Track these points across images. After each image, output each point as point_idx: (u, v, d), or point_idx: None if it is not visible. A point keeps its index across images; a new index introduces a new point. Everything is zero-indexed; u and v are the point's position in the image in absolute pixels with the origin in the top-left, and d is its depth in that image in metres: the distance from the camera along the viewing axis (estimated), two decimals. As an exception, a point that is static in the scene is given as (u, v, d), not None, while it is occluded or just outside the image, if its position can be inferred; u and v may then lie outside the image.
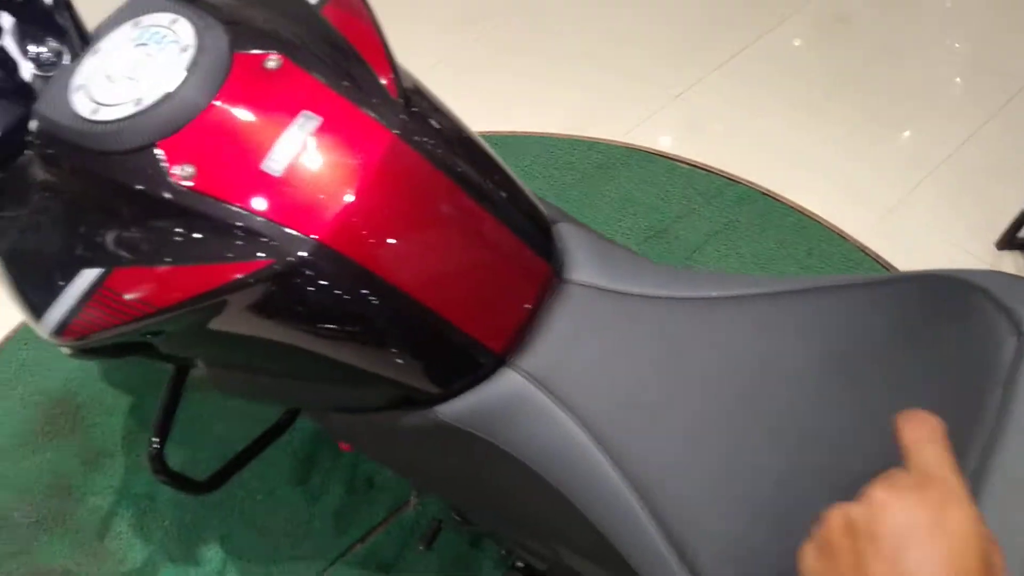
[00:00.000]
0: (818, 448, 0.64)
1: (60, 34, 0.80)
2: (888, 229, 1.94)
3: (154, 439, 1.09)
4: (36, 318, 0.73)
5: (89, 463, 1.61)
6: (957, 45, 2.40)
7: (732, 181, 2.03)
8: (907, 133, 2.17)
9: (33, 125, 0.74)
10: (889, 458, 0.41)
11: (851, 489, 0.40)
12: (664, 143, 2.13)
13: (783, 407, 0.67)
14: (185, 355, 0.85)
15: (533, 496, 0.72)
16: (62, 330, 0.72)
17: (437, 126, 0.75)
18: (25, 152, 0.75)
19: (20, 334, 1.83)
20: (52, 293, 0.71)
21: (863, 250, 1.89)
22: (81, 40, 0.79)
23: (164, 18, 0.72)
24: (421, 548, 1.27)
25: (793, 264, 1.87)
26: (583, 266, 0.79)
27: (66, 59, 0.80)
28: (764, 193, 2.01)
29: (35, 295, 0.72)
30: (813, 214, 1.96)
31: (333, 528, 1.49)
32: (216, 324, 0.71)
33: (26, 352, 1.80)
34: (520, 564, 1.11)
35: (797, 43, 2.42)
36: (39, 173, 0.74)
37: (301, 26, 0.75)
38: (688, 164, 2.07)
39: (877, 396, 0.62)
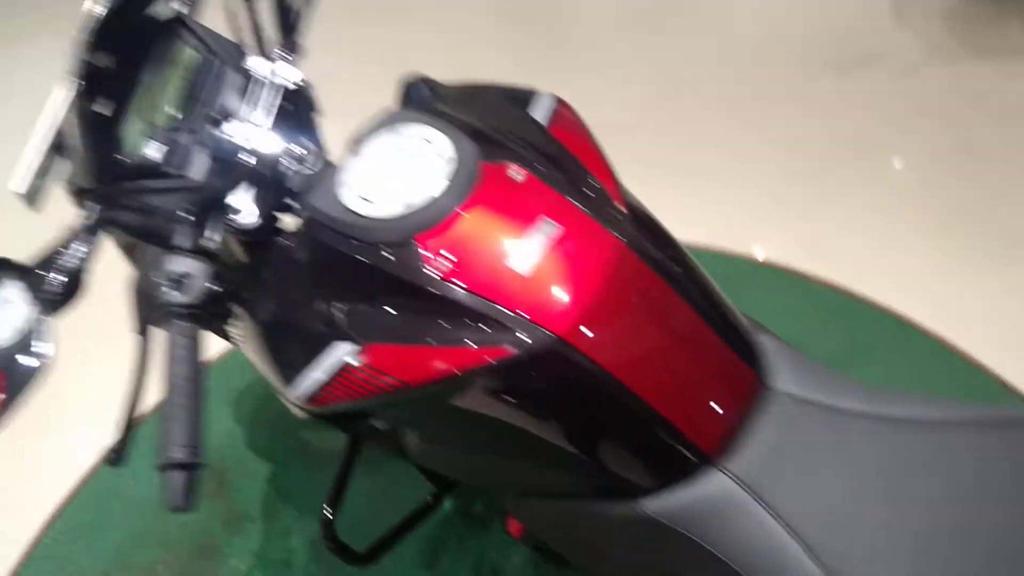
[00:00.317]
0: None
1: (307, 133, 0.91)
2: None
3: (327, 507, 1.16)
4: (286, 383, 0.81)
5: (231, 525, 1.69)
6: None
7: (862, 302, 2.05)
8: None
9: (298, 213, 0.85)
10: None
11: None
12: (790, 259, 2.17)
13: (1003, 536, 0.68)
14: (401, 428, 0.92)
15: None
16: (310, 398, 0.80)
17: (654, 236, 0.82)
18: (277, 235, 0.86)
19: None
20: (305, 362, 0.79)
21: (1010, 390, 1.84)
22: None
23: (422, 130, 0.83)
24: None
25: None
26: (788, 377, 0.83)
27: (312, 157, 0.90)
28: (897, 317, 2.01)
29: (287, 362, 0.81)
30: (954, 345, 1.94)
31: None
32: (445, 403, 0.78)
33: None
34: None
35: (928, 169, 2.45)
36: (299, 254, 0.84)
37: (535, 141, 0.85)
38: (816, 281, 2.10)
39: None
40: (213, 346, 1.92)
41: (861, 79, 2.76)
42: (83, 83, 0.73)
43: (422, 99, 0.93)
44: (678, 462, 0.78)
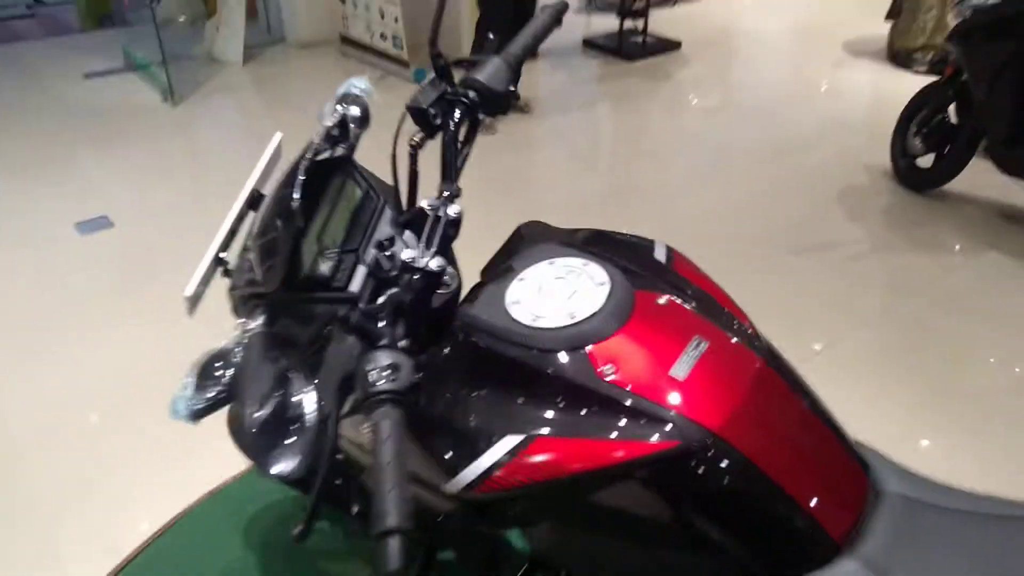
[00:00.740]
0: None
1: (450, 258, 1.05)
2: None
3: None
4: (450, 476, 0.89)
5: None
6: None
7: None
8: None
9: (464, 326, 0.96)
10: None
11: None
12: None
13: None
14: (542, 518, 0.98)
15: None
16: (473, 487, 0.88)
17: (777, 357, 0.98)
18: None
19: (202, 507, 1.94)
20: (472, 455, 0.88)
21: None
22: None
23: (578, 262, 0.98)
24: None
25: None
26: (895, 481, 0.96)
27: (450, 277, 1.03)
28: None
29: (456, 453, 0.90)
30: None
31: None
32: (598, 494, 0.88)
33: (202, 527, 1.89)
34: None
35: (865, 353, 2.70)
36: (463, 359, 0.95)
37: (666, 276, 1.01)
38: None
39: None
40: (210, 479, 1.94)
41: (809, 264, 3.01)
42: (298, 208, 0.88)
43: (535, 238, 1.09)
44: (813, 550, 0.88)
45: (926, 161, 3.49)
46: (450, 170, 1.02)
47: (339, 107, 1.14)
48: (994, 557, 0.87)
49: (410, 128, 1.05)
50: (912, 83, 3.60)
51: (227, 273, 1.13)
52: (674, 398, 0.85)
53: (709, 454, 0.83)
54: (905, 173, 3.57)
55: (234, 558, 1.86)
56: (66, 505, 2.04)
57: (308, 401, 0.93)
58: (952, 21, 3.21)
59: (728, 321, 0.96)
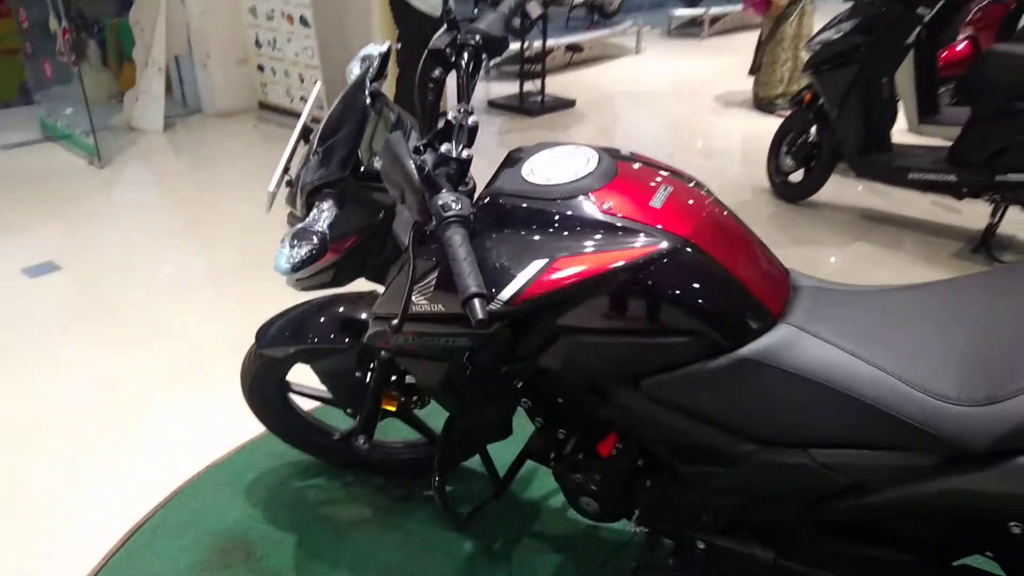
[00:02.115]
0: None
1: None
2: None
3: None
4: (481, 303, 1.16)
5: (263, 587, 1.80)
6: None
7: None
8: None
9: (493, 194, 1.27)
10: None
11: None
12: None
13: (955, 321, 1.15)
14: (566, 321, 1.24)
15: (811, 402, 1.14)
16: (513, 300, 1.18)
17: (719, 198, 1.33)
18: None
19: (188, 489, 2.09)
20: (511, 277, 1.18)
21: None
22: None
23: (569, 147, 1.32)
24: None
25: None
26: (805, 280, 1.32)
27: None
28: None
29: (495, 280, 1.18)
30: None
31: None
32: (606, 291, 1.18)
33: (196, 503, 2.04)
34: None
35: None
36: (495, 219, 1.25)
37: (636, 156, 1.36)
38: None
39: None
40: (218, 447, 2.11)
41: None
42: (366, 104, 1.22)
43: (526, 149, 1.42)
44: (760, 320, 1.20)
45: (797, 176, 4.07)
46: (464, 93, 1.35)
47: (362, 62, 1.47)
48: (880, 312, 1.23)
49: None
50: (776, 123, 4.22)
51: (289, 183, 1.42)
52: (655, 220, 1.19)
53: (683, 253, 1.17)
54: (781, 188, 4.15)
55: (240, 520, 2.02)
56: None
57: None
58: (806, 56, 3.85)
59: (682, 176, 1.31)
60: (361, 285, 1.63)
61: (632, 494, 1.48)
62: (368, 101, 1.36)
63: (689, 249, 1.18)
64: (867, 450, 1.13)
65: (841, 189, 4.14)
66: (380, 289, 1.53)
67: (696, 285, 1.19)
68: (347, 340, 1.74)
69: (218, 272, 3.36)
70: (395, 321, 1.16)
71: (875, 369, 1.11)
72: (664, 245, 1.17)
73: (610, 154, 1.31)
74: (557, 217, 1.22)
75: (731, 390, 1.20)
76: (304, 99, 5.23)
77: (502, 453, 1.91)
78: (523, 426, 1.65)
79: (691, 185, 1.29)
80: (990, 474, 1.02)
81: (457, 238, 1.09)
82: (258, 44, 5.39)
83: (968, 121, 3.33)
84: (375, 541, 1.91)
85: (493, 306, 1.19)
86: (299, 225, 1.30)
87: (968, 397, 1.04)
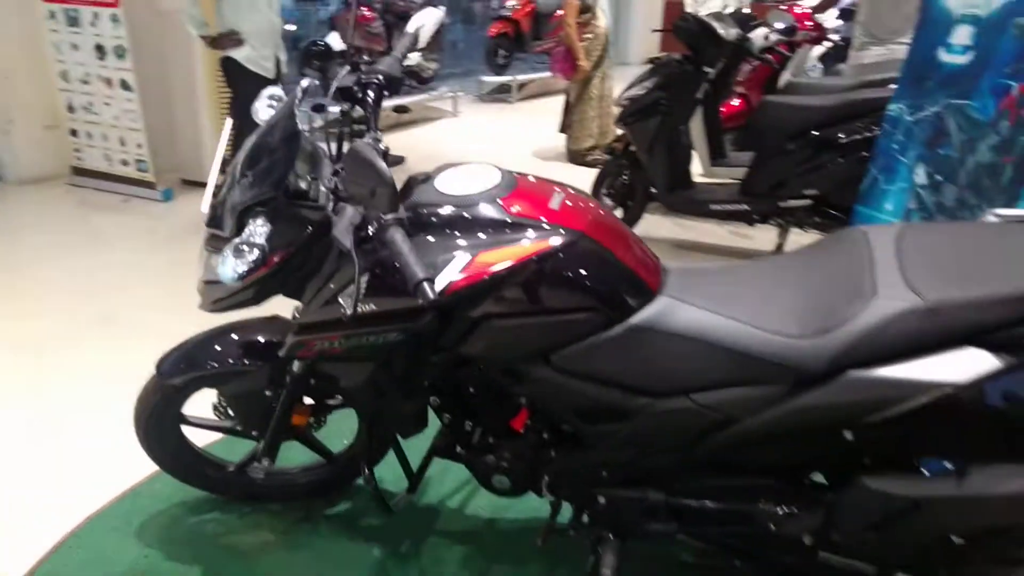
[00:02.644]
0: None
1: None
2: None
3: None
4: (429, 285, 1.31)
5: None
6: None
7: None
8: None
9: (414, 205, 1.46)
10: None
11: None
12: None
13: (793, 279, 1.48)
14: (485, 309, 1.43)
15: (688, 355, 1.41)
16: (445, 292, 1.36)
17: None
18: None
19: (70, 541, 2.01)
20: (438, 271, 1.36)
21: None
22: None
23: (473, 165, 1.54)
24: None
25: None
26: (672, 265, 1.60)
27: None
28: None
29: (427, 274, 1.35)
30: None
31: None
32: (519, 280, 1.39)
33: (82, 552, 1.97)
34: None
35: None
36: (418, 226, 1.42)
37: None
38: None
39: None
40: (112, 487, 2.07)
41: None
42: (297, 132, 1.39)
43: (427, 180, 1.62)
44: (642, 295, 1.46)
45: (618, 214, 4.55)
46: (372, 124, 1.54)
47: (270, 99, 1.63)
48: (735, 281, 1.54)
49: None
50: (588, 172, 4.72)
51: (213, 207, 1.53)
52: (555, 218, 1.44)
53: (580, 244, 1.42)
54: (604, 227, 4.61)
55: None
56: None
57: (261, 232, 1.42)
58: (615, 111, 4.36)
59: (568, 186, 1.57)
60: (257, 312, 1.73)
61: (540, 466, 1.68)
62: (301, 126, 1.51)
63: (584, 240, 1.43)
64: (735, 388, 1.41)
65: (655, 223, 4.69)
66: (283, 313, 1.65)
67: (592, 269, 1.44)
68: (253, 362, 1.81)
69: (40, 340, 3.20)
70: (348, 311, 1.31)
71: (735, 322, 1.40)
72: (565, 238, 1.41)
73: (507, 171, 1.55)
74: (473, 220, 1.43)
75: (625, 354, 1.45)
76: (126, 163, 5.08)
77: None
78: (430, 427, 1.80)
79: (577, 193, 1.56)
80: (827, 389, 1.33)
81: (398, 236, 1.27)
82: (71, 109, 5.17)
83: (754, 158, 3.95)
84: (285, 561, 1.95)
85: (433, 292, 1.38)
86: (236, 240, 1.40)
87: (806, 332, 1.35)
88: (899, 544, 1.42)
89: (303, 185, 1.53)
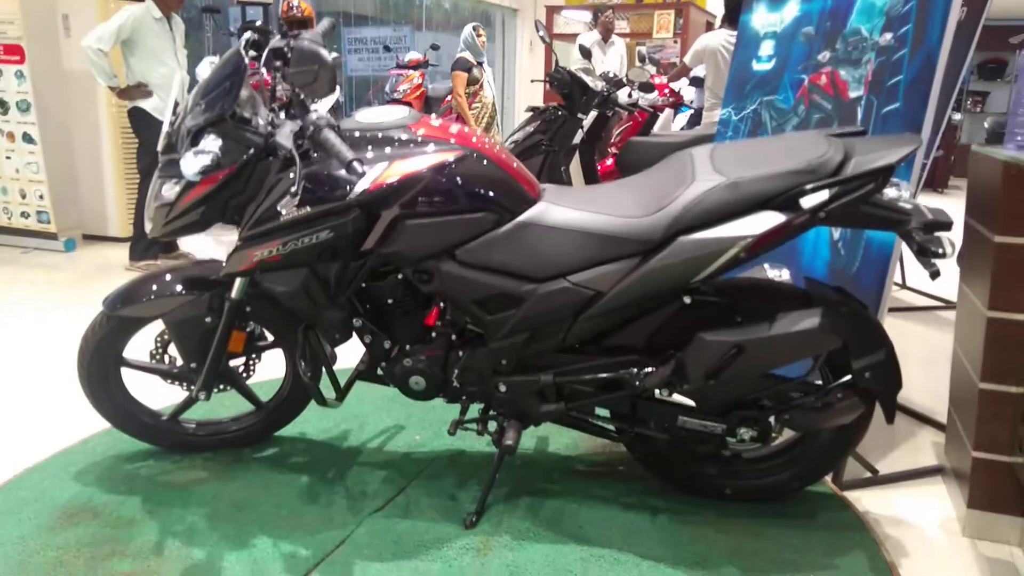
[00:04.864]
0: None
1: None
2: None
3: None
4: (359, 163, 1.64)
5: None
6: None
7: None
8: None
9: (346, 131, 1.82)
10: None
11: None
12: None
13: (638, 184, 1.90)
14: (396, 217, 1.76)
15: (564, 243, 1.79)
16: (368, 189, 1.71)
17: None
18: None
19: (7, 486, 2.14)
20: (361, 176, 1.71)
21: None
22: None
23: (391, 107, 1.92)
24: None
25: None
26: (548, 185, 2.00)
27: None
28: None
29: (356, 155, 1.67)
30: None
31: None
32: (426, 187, 1.76)
33: (23, 492, 2.11)
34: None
35: None
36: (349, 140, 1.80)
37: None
38: None
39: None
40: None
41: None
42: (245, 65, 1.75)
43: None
44: (525, 200, 1.84)
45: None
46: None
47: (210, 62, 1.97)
48: (596, 192, 1.96)
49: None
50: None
51: (168, 135, 1.84)
52: (454, 139, 1.83)
53: (475, 156, 1.81)
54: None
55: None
56: None
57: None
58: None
59: (465, 127, 1.97)
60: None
61: (450, 365, 2.00)
62: (245, 61, 1.85)
63: (477, 154, 1.83)
64: (600, 266, 1.81)
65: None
66: (221, 251, 1.94)
67: (484, 176, 1.83)
68: (193, 291, 2.07)
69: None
70: (294, 188, 1.64)
71: (597, 213, 1.82)
72: (462, 152, 1.81)
73: (414, 110, 1.94)
74: (388, 139, 1.80)
75: (515, 246, 1.83)
76: (26, 215, 5.15)
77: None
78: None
79: (471, 129, 1.97)
80: (665, 254, 1.74)
81: (330, 133, 1.63)
82: (-32, 164, 5.24)
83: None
84: (218, 489, 2.14)
85: (359, 187, 1.73)
86: (194, 148, 1.72)
87: (648, 212, 1.78)
88: (732, 385, 1.82)
89: (246, 114, 1.86)
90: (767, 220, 1.69)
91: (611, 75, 5.26)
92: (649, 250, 1.77)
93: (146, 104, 4.47)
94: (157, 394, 2.48)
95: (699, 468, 2.08)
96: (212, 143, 1.73)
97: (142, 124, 4.53)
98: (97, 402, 2.19)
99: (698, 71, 6.02)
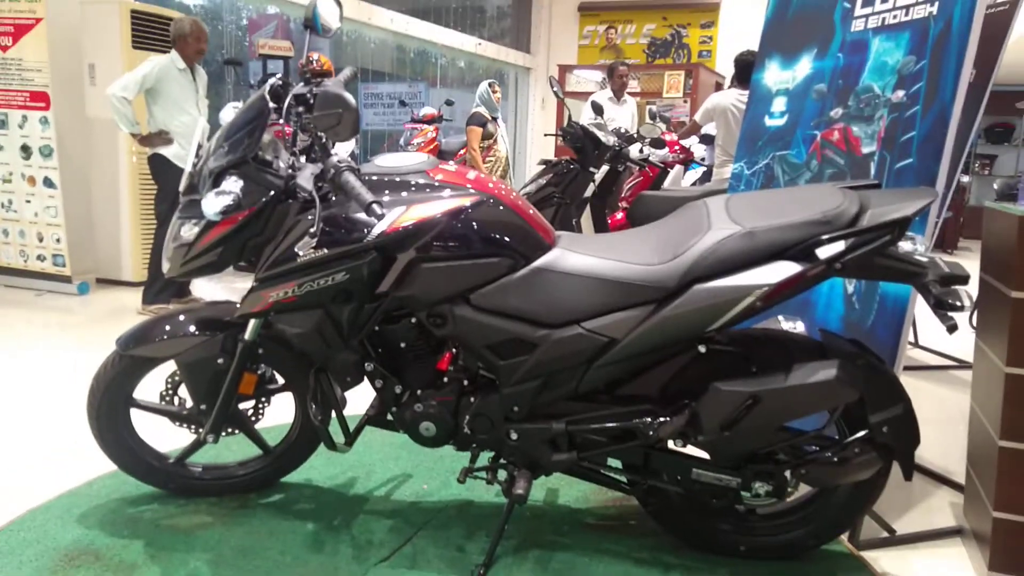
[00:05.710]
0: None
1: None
2: None
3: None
4: (379, 205, 1.66)
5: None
6: None
7: None
8: None
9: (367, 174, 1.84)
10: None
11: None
12: None
13: (654, 234, 1.90)
14: (412, 261, 1.77)
15: (578, 290, 1.78)
16: (385, 231, 1.73)
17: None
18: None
19: (10, 527, 2.11)
20: (379, 218, 1.72)
21: None
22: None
23: (408, 154, 1.95)
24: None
25: None
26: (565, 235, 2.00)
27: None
28: None
29: (376, 197, 1.68)
30: None
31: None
32: (442, 231, 1.77)
33: (25, 534, 2.08)
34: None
35: None
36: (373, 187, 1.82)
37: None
38: None
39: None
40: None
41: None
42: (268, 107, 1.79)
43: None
44: (541, 246, 1.85)
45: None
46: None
47: (233, 107, 2.01)
48: (612, 240, 1.96)
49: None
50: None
51: (191, 176, 1.87)
52: (471, 184, 1.85)
53: (491, 202, 1.83)
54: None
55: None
56: None
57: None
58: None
59: (481, 174, 2.00)
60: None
61: (461, 411, 1.98)
62: (269, 105, 1.88)
63: (493, 200, 1.85)
64: (614, 313, 1.80)
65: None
66: (233, 298, 1.96)
67: (500, 222, 1.84)
68: (206, 332, 2.07)
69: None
70: (313, 229, 1.65)
71: (612, 260, 1.82)
72: (478, 197, 1.82)
73: (431, 156, 1.97)
74: (406, 183, 1.82)
75: (529, 292, 1.83)
76: (42, 258, 5.21)
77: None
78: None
79: (487, 175, 1.99)
80: (680, 301, 1.74)
81: (351, 176, 1.65)
82: (-11, 207, 5.32)
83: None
84: (221, 535, 2.11)
85: (376, 230, 1.75)
86: (215, 189, 1.74)
87: (663, 260, 1.78)
88: (747, 436, 1.79)
89: (268, 157, 1.89)
90: (783, 270, 1.69)
91: (623, 131, 5.35)
92: (664, 298, 1.76)
93: (167, 151, 4.56)
94: (164, 438, 2.46)
95: (713, 523, 2.03)
96: (234, 184, 1.76)
97: (162, 170, 4.61)
98: (104, 442, 2.17)
99: (708, 129, 6.12)
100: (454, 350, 2.00)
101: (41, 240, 5.21)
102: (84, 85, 5.26)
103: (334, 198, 1.83)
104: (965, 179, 10.52)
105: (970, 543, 2.17)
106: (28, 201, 5.19)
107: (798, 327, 1.95)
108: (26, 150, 5.13)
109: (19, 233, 5.27)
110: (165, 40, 5.07)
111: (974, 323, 2.18)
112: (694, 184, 7.16)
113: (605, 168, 4.96)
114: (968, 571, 2.08)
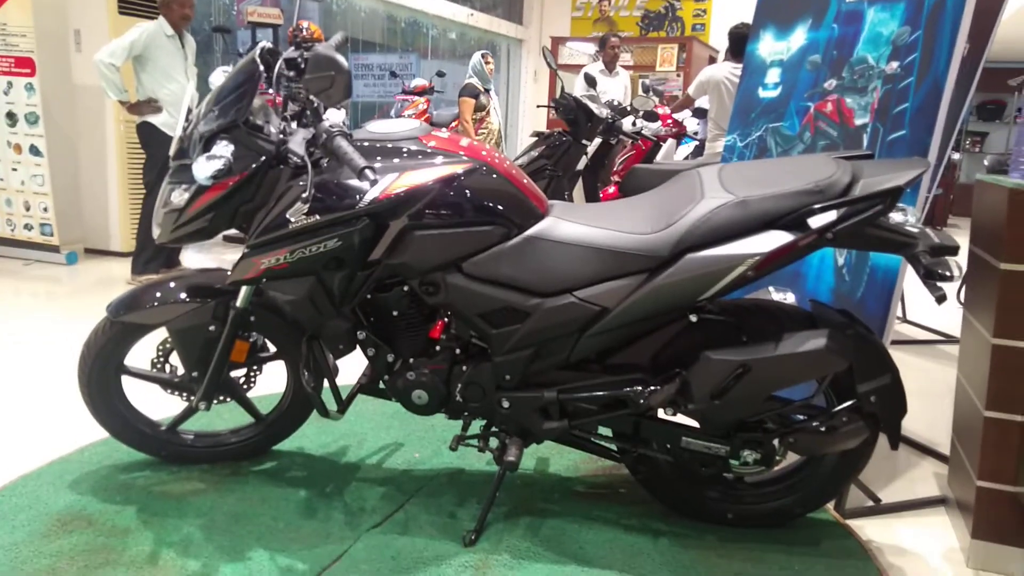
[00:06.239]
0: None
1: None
2: None
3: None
4: (371, 170, 1.65)
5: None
6: None
7: None
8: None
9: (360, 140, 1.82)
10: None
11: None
12: None
13: (646, 203, 1.90)
14: (405, 228, 1.77)
15: (570, 259, 1.78)
16: (379, 197, 1.71)
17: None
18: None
19: (2, 491, 2.11)
20: (372, 184, 1.71)
21: None
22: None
23: (401, 120, 1.93)
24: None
25: None
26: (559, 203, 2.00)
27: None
28: None
29: (368, 163, 1.67)
30: None
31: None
32: (439, 194, 1.76)
33: (16, 499, 2.08)
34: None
35: None
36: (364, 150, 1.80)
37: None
38: None
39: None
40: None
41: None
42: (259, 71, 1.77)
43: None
44: (534, 214, 1.84)
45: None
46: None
47: (223, 72, 1.98)
48: (603, 209, 1.96)
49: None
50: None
51: (181, 141, 1.85)
52: (464, 151, 1.84)
53: (484, 169, 1.82)
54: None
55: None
56: None
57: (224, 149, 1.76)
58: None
59: (474, 141, 1.98)
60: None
61: (453, 380, 1.99)
62: (260, 68, 1.86)
63: (486, 167, 1.84)
64: (606, 281, 1.80)
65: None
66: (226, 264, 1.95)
67: (493, 190, 1.83)
68: (197, 299, 2.06)
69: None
70: (306, 194, 1.64)
71: (605, 229, 1.82)
72: (471, 164, 1.81)
73: (423, 123, 1.96)
74: (399, 149, 1.81)
75: (522, 260, 1.83)
76: (30, 227, 5.16)
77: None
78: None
79: (480, 142, 1.98)
80: (672, 270, 1.74)
81: (343, 141, 1.64)
82: (-27, 176, 5.26)
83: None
84: (215, 501, 2.12)
85: (369, 197, 1.74)
86: (206, 153, 1.72)
87: (656, 229, 1.78)
88: (737, 405, 1.81)
89: (259, 121, 1.87)
90: (775, 239, 1.69)
91: (616, 103, 5.32)
92: (656, 267, 1.77)
93: (155, 119, 4.50)
94: (156, 405, 2.46)
95: (701, 491, 2.05)
96: (224, 148, 1.74)
97: (150, 138, 4.55)
98: (96, 409, 2.17)
99: (701, 102, 6.09)
100: (446, 318, 2.00)
101: (28, 209, 5.16)
102: (70, 51, 5.18)
103: (326, 164, 1.81)
104: (956, 156, 10.55)
105: (954, 512, 2.20)
106: (15, 169, 5.13)
107: (788, 298, 1.96)
108: (11, 117, 5.06)
109: (6, 202, 5.22)
110: (152, 5, 5.00)
111: (962, 298, 2.20)
112: (686, 159, 7.15)
113: (598, 141, 4.94)
114: (951, 539, 2.12)
